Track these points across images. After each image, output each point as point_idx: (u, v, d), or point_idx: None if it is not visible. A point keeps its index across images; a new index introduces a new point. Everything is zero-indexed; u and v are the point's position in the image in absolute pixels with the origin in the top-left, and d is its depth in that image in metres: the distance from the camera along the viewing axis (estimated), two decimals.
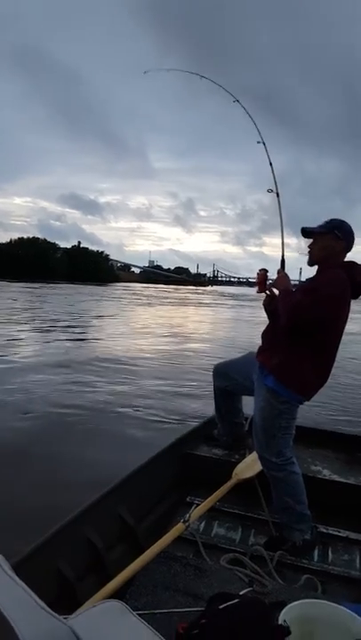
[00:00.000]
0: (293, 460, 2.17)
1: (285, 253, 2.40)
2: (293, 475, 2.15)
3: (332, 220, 2.14)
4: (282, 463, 2.13)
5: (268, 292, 2.29)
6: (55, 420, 4.89)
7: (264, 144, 2.57)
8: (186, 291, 56.94)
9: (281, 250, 2.43)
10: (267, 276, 2.30)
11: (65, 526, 1.73)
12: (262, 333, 2.31)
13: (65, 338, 11.40)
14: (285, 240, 2.49)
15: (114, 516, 2.05)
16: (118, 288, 51.57)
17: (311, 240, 2.15)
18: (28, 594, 0.75)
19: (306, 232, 2.15)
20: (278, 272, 2.29)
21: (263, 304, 2.35)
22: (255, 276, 2.35)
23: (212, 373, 2.75)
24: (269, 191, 2.50)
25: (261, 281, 2.30)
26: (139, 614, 1.06)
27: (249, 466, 2.56)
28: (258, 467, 2.50)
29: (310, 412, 4.86)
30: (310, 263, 2.16)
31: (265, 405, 2.12)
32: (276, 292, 2.24)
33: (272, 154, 2.56)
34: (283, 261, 2.36)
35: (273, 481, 2.17)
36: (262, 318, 2.42)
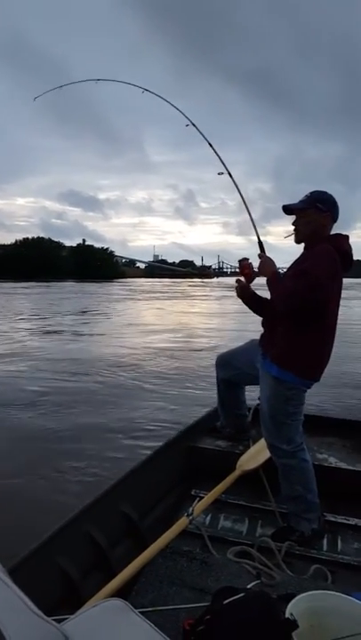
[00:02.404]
0: (304, 446, 2.13)
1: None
2: (304, 462, 2.11)
3: (312, 192, 2.05)
4: (293, 450, 2.08)
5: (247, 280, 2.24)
6: None
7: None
8: (190, 283, 56.47)
9: (255, 232, 2.33)
10: (251, 265, 2.23)
11: (67, 524, 1.70)
12: (262, 321, 2.27)
13: None
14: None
15: (117, 512, 2.02)
16: (116, 284, 50.70)
17: (295, 217, 2.08)
18: (20, 597, 0.72)
19: (287, 209, 2.08)
20: (260, 256, 2.20)
21: (237, 295, 2.29)
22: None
23: (214, 364, 2.70)
24: (220, 174, 2.46)
25: (248, 272, 2.23)
26: (144, 612, 1.02)
27: (253, 457, 2.53)
28: (262, 457, 2.46)
29: (314, 400, 4.79)
30: (297, 241, 2.10)
31: (271, 393, 2.07)
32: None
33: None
34: (260, 244, 2.26)
35: (283, 469, 2.12)
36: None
